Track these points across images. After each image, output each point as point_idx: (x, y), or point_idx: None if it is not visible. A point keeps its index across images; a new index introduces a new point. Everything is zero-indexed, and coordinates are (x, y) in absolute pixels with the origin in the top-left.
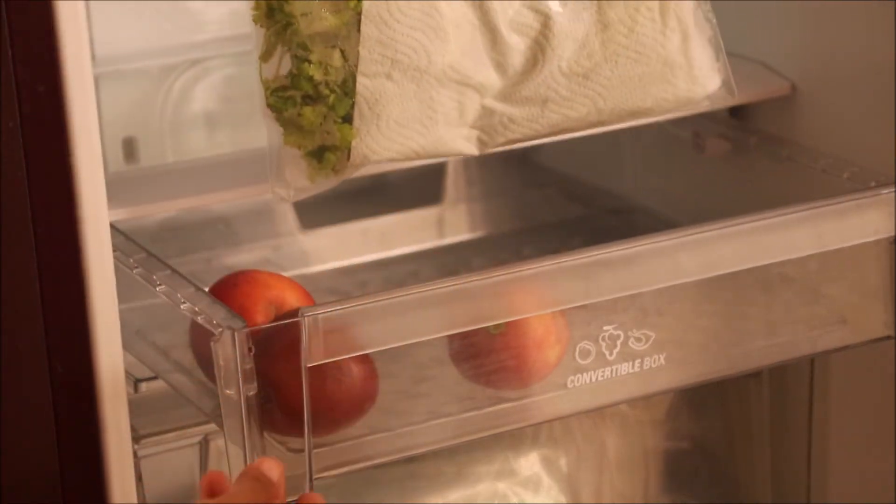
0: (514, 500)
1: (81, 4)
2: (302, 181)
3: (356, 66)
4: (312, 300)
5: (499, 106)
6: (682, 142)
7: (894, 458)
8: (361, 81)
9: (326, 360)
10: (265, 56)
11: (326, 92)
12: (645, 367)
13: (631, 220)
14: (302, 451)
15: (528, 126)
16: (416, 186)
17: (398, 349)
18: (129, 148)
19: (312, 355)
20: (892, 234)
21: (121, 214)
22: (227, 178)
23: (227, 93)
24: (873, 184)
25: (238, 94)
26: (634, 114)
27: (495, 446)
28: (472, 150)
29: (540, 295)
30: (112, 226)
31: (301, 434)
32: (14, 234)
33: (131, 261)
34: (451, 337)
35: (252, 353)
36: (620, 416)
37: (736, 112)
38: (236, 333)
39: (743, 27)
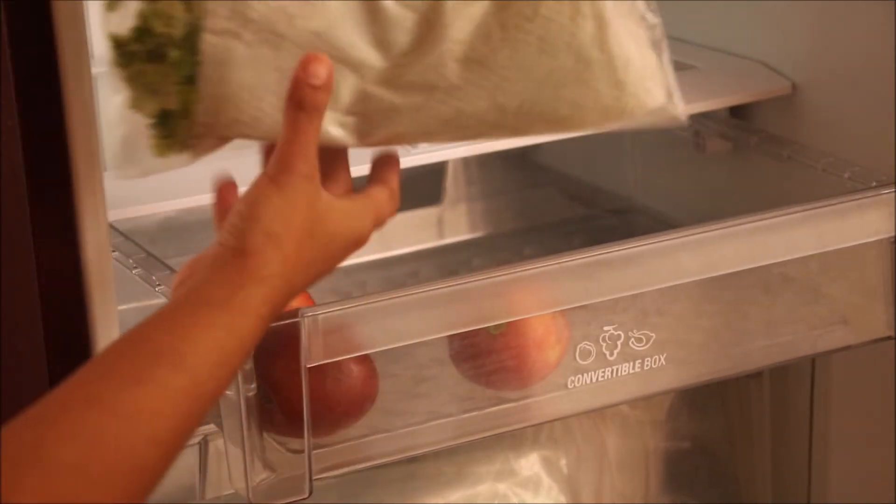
0: (515, 501)
1: (81, 4)
2: (149, 159)
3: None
4: (312, 300)
5: (378, 90)
6: (683, 142)
7: (894, 458)
8: (207, 39)
9: (326, 361)
10: (110, 5)
11: (173, 52)
12: (645, 368)
13: (631, 220)
14: (302, 451)
15: (412, 118)
16: (416, 186)
17: (398, 349)
18: None
19: (312, 355)
20: (893, 234)
21: (120, 214)
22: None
23: None
24: (874, 184)
25: None
26: (549, 122)
27: (495, 447)
28: (347, 139)
29: (540, 295)
30: (112, 226)
31: (301, 434)
32: (14, 234)
33: (131, 261)
34: (451, 337)
35: (251, 354)
36: (621, 417)
37: (736, 112)
38: None
39: (743, 27)
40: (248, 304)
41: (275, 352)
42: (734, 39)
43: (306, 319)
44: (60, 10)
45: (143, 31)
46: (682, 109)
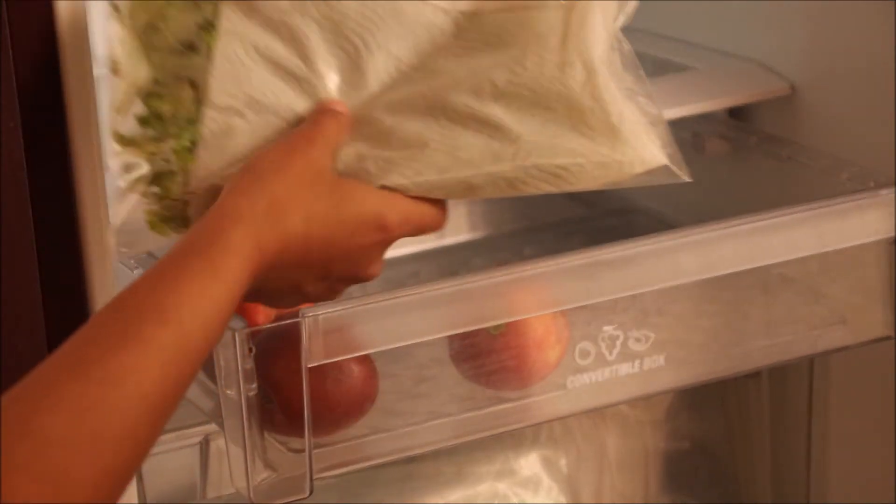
0: (514, 501)
1: (83, 4)
2: (150, 237)
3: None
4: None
5: (373, 151)
6: (682, 142)
7: (894, 458)
8: (209, 113)
9: (326, 361)
10: (122, 108)
11: (174, 129)
12: (645, 368)
13: (631, 220)
14: (302, 451)
15: (409, 167)
16: None
17: (398, 349)
18: None
19: (312, 355)
20: (892, 234)
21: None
22: None
23: None
24: (873, 184)
25: None
26: (546, 173)
27: (495, 446)
28: None
29: (540, 295)
30: None
31: (301, 434)
32: (14, 235)
33: (131, 261)
34: (451, 337)
35: (252, 354)
36: (620, 417)
37: (736, 112)
38: (237, 333)
39: (743, 27)
40: (229, 244)
41: (275, 352)
42: (733, 40)
43: (307, 319)
44: (62, 11)
45: (150, 118)
46: (686, 172)
